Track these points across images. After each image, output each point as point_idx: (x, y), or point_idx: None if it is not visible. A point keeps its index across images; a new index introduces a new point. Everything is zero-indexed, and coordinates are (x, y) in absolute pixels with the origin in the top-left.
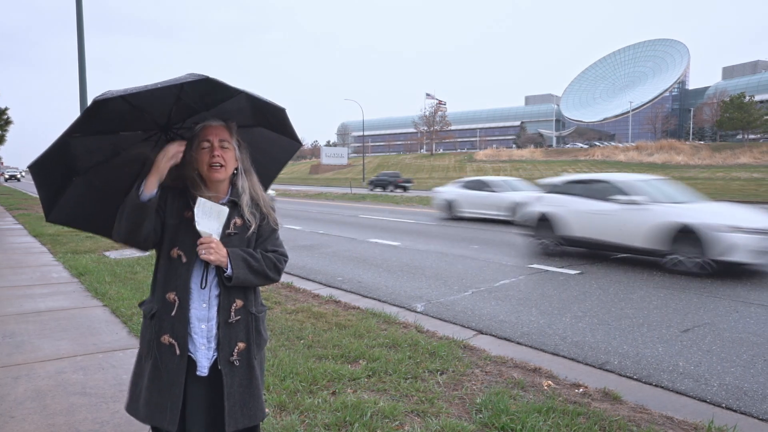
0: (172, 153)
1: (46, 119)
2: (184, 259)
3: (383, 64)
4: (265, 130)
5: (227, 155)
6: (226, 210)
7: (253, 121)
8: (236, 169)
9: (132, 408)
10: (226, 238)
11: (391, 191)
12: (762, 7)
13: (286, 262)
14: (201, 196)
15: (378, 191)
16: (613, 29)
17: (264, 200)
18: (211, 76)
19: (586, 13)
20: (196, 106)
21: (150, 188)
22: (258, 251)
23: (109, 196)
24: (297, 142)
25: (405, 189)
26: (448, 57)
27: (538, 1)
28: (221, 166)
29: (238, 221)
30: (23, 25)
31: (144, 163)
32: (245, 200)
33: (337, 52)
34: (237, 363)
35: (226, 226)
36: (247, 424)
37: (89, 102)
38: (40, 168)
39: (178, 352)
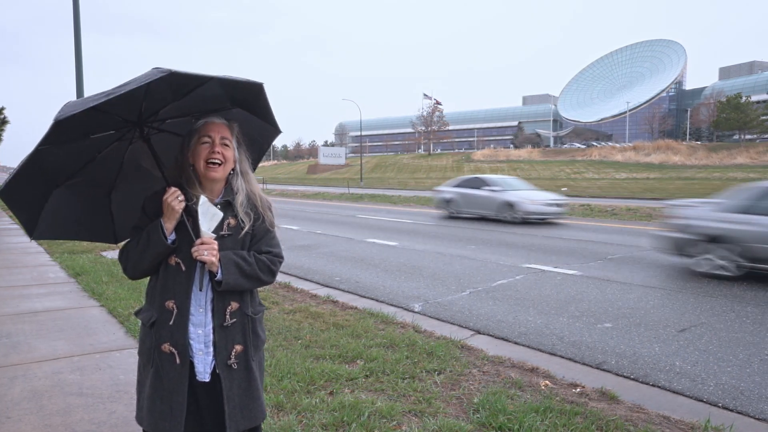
0: (177, 193)
1: (42, 119)
2: (183, 267)
3: (382, 64)
4: (244, 112)
5: (227, 153)
6: (220, 215)
7: (230, 104)
8: (233, 169)
9: (139, 417)
10: (219, 240)
11: None
12: (759, 7)
13: (281, 263)
14: (193, 195)
15: None
16: (610, 29)
17: (261, 201)
18: (175, 69)
19: (584, 13)
20: (167, 98)
21: (170, 232)
22: (251, 253)
23: (93, 200)
24: (275, 128)
25: None
26: (447, 57)
27: (536, 1)
28: (220, 163)
29: (232, 222)
30: (19, 24)
31: (122, 162)
32: (240, 200)
33: (335, 53)
34: (235, 366)
35: (219, 227)
36: (247, 426)
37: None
38: (13, 192)
39: (178, 360)
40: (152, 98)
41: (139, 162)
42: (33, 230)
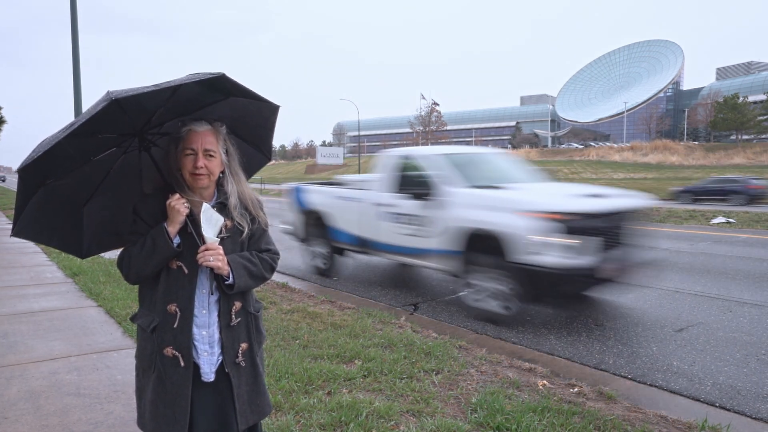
0: (180, 197)
1: (40, 119)
2: (185, 270)
3: (379, 64)
4: (240, 99)
5: (212, 164)
6: (222, 220)
7: (222, 95)
8: (222, 172)
9: (141, 423)
10: (219, 243)
11: None
12: (756, 8)
13: (279, 259)
14: (188, 200)
15: None
16: (607, 30)
17: (253, 202)
18: (122, 95)
19: (581, 13)
20: (182, 109)
21: (174, 235)
22: (254, 253)
23: (70, 208)
24: (269, 103)
25: None
26: (444, 57)
27: (534, 1)
28: (205, 175)
29: (228, 224)
30: (17, 24)
31: (107, 174)
32: (233, 202)
33: (333, 52)
34: (242, 364)
35: (218, 231)
36: (256, 419)
37: (83, 102)
38: (27, 173)
39: (182, 363)
40: (167, 108)
41: (128, 171)
42: (14, 225)
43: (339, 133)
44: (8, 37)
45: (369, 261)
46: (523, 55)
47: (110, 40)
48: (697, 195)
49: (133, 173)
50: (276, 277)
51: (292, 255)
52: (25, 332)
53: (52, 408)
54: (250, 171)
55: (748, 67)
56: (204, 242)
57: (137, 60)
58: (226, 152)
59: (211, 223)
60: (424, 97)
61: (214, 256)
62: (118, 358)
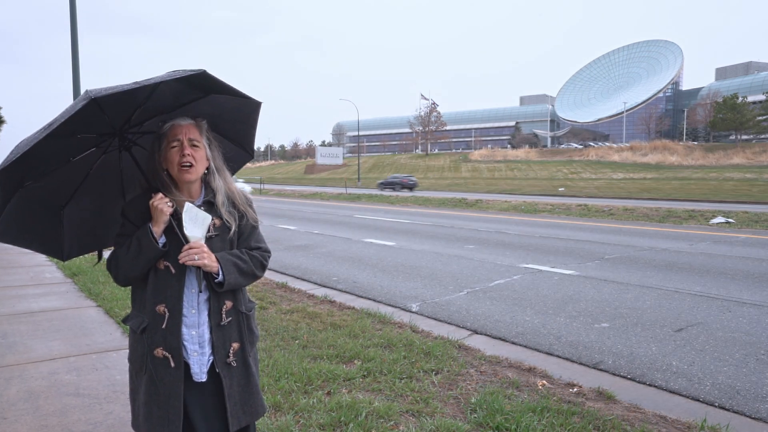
0: (162, 196)
1: (39, 119)
2: (173, 270)
3: (379, 64)
4: (220, 96)
5: (198, 154)
6: (210, 218)
7: (201, 93)
8: (207, 168)
9: (135, 424)
10: (207, 241)
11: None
12: (756, 9)
13: (270, 257)
14: (172, 199)
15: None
16: (607, 30)
17: (240, 197)
18: (101, 93)
19: (580, 13)
20: (162, 107)
21: (159, 235)
22: (243, 251)
23: (48, 209)
24: (250, 99)
25: None
26: (445, 57)
27: (534, 1)
28: (191, 165)
29: (217, 222)
30: (15, 24)
31: (87, 175)
32: (220, 200)
33: (332, 52)
34: (234, 364)
35: (206, 229)
36: (249, 421)
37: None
38: (6, 176)
39: (172, 364)
40: (147, 107)
41: (107, 172)
42: None
43: (338, 133)
44: (8, 37)
45: (368, 260)
46: (524, 56)
47: (110, 40)
48: (385, 185)
49: (113, 174)
50: (275, 276)
51: (292, 255)
52: (24, 332)
53: (52, 408)
54: (232, 168)
55: (747, 68)
56: (187, 242)
57: (137, 60)
58: (209, 146)
59: (196, 222)
60: (424, 97)
61: (199, 254)
62: (117, 358)
